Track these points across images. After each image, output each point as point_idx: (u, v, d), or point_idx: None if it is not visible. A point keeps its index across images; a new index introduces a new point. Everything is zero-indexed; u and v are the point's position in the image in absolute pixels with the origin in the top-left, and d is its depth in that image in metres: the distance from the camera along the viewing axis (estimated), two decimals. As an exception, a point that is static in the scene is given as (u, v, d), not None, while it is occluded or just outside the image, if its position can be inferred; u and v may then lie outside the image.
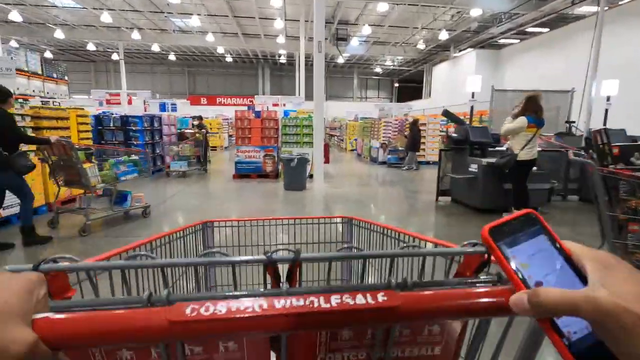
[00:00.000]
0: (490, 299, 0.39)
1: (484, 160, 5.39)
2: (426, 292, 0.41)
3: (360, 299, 0.38)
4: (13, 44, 21.44)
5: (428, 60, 25.20)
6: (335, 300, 0.38)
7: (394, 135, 11.72)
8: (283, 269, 0.56)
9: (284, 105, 13.63)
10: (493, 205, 5.33)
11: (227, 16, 18.27)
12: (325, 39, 22.01)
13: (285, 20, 18.61)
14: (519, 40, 19.43)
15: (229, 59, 27.61)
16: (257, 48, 23.84)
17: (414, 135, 10.54)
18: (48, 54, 24.33)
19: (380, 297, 0.39)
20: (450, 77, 21.93)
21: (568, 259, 0.36)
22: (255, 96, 13.04)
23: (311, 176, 7.95)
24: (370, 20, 18.64)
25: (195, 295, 0.46)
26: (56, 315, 0.34)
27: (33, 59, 16.95)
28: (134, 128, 8.52)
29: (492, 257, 0.39)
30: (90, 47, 22.96)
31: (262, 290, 0.52)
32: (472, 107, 7.83)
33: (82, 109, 6.51)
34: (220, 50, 24.60)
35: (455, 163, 6.23)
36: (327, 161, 8.29)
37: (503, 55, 19.06)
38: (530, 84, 16.32)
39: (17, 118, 5.17)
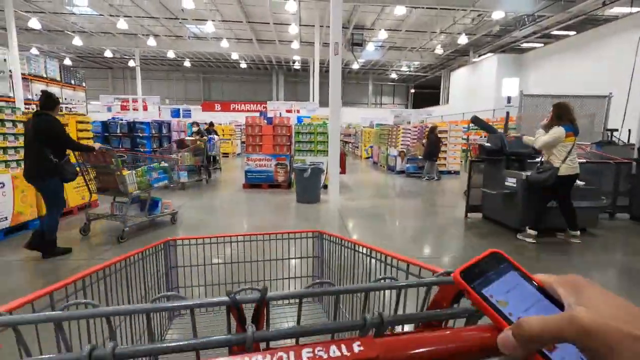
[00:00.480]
0: (478, 340, 0.37)
1: (524, 174, 4.69)
2: (406, 337, 0.38)
3: (334, 351, 0.35)
4: (34, 51, 21.76)
5: (446, 66, 24.43)
6: (307, 355, 0.35)
7: (412, 142, 11.03)
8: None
9: (298, 111, 13.13)
10: (538, 225, 4.61)
11: (241, 22, 18.01)
12: (341, 43, 21.47)
13: (300, 25, 18.23)
14: (542, 44, 18.53)
15: (243, 65, 27.44)
16: (272, 54, 23.54)
17: (431, 142, 9.84)
18: (67, 61, 24.59)
19: (357, 347, 0.36)
20: (470, 83, 21.10)
21: (542, 290, 0.36)
22: (268, 102, 12.56)
23: (325, 187, 7.37)
24: (386, 24, 18.07)
25: (145, 348, 0.40)
26: None
27: (52, 66, 16.96)
28: (141, 135, 8.11)
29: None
30: (108, 54, 23.08)
31: (225, 336, 0.43)
32: (507, 114, 7.11)
33: (83, 114, 6.09)
34: (235, 56, 24.41)
35: (489, 176, 5.54)
36: (343, 171, 7.69)
37: (526, 59, 18.17)
38: (557, 89, 15.42)
39: (9, 125, 4.76)
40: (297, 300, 0.61)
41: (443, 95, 24.84)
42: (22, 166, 3.95)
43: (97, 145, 4.31)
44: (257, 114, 10.43)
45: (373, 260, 1.31)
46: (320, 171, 6.80)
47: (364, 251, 1.35)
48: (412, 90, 31.10)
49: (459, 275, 0.38)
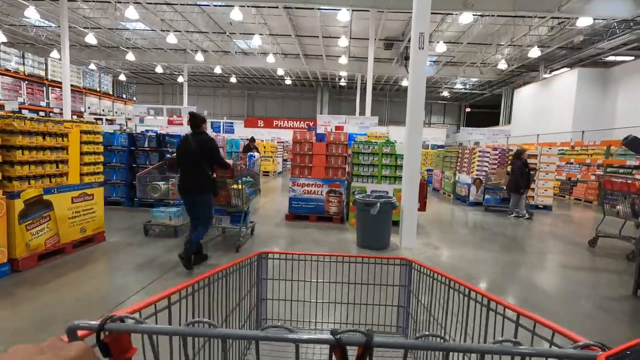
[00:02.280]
0: None
1: None
2: None
3: None
4: (92, 66, 22.24)
5: (508, 83, 21.86)
6: None
7: (492, 169, 8.87)
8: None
9: (347, 125, 11.42)
10: None
11: (289, 35, 16.97)
12: (396, 60, 19.61)
13: (351, 38, 16.83)
14: (633, 57, 15.63)
15: (288, 81, 26.57)
16: (318, 69, 22.37)
17: (519, 170, 7.64)
18: (122, 77, 25.05)
19: None
20: (538, 101, 18.40)
21: None
22: (318, 115, 11.00)
23: (394, 223, 5.47)
24: (446, 36, 16.14)
25: None
26: None
27: (106, 80, 16.68)
28: (170, 149, 6.74)
29: None
30: (158, 69, 23.11)
31: None
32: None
33: (93, 122, 4.73)
34: (280, 72, 23.54)
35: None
36: (422, 208, 5.75)
37: (613, 74, 15.31)
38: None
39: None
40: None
41: (504, 114, 22.15)
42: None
43: (230, 162, 4.59)
44: (305, 129, 8.84)
45: (472, 303, 1.14)
46: (393, 207, 4.94)
47: (462, 290, 1.18)
48: (468, 109, 28.50)
49: None
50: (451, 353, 0.52)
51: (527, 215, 7.63)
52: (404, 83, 23.78)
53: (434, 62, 20.24)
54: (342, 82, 26.42)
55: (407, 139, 5.05)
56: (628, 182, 4.86)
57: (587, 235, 6.35)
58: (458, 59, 19.33)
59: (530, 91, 19.39)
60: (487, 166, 8.91)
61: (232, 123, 17.77)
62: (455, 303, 1.27)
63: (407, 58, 17.44)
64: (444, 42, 15.88)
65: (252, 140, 10.30)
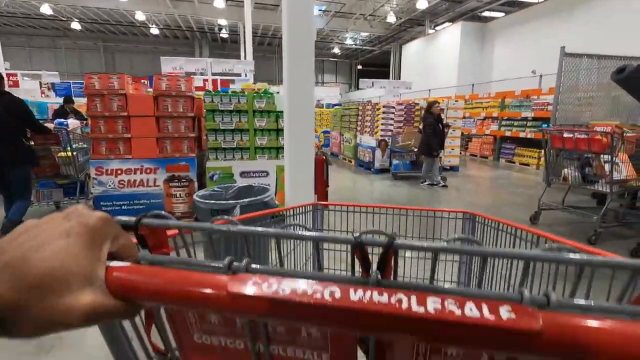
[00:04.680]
0: None
1: None
2: (600, 320, 0.24)
3: (471, 310, 0.26)
4: None
5: (396, 38, 21.08)
6: (433, 304, 0.26)
7: (398, 128, 7.22)
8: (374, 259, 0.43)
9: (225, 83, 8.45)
10: None
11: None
12: (277, 5, 16.40)
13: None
14: (503, 14, 15.90)
15: (154, 30, 21.11)
16: (190, 16, 17.89)
17: (431, 128, 6.10)
18: None
19: (505, 311, 0.25)
20: (425, 57, 17.96)
21: None
22: (162, 58, 7.65)
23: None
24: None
25: (273, 270, 0.40)
26: (120, 266, 0.32)
27: None
28: None
29: None
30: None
31: (348, 276, 0.41)
32: None
33: None
34: (141, 17, 18.26)
35: None
36: (322, 196, 3.53)
37: (490, 30, 15.35)
38: (530, 62, 12.85)
39: None
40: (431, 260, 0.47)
41: (394, 71, 21.57)
42: None
43: (51, 126, 4.13)
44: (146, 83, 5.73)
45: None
46: (267, 205, 2.57)
47: (528, 237, 1.07)
48: (359, 67, 27.40)
49: None
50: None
51: (441, 183, 6.23)
52: (294, 36, 21.09)
53: (322, 11, 17.93)
54: (224, 34, 22.26)
55: (289, 92, 2.65)
56: (588, 137, 3.45)
57: (517, 204, 5.22)
58: (348, 8, 17.38)
59: (416, 47, 18.85)
60: (392, 125, 7.23)
61: (68, 83, 12.72)
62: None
63: None
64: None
65: (68, 101, 6.58)
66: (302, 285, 0.30)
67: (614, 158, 3.28)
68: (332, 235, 0.48)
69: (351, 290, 0.29)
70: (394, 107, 7.25)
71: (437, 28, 18.08)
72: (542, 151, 8.54)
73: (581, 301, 0.33)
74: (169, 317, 0.45)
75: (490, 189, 6.62)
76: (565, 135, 3.70)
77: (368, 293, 0.28)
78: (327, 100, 16.40)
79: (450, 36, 15.91)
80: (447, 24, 17.45)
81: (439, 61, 16.66)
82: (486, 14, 16.53)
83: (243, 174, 3.80)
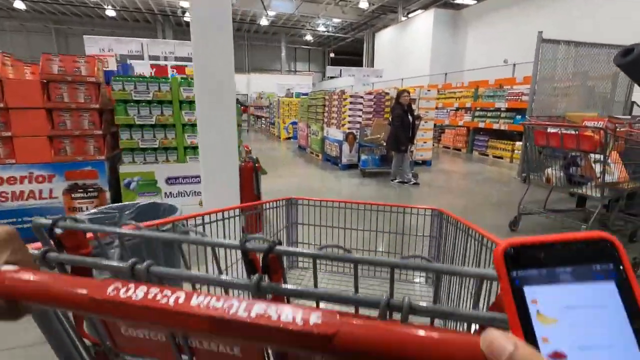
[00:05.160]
0: (464, 351, 0.25)
1: None
2: (378, 324, 0.28)
3: (287, 316, 0.29)
4: None
5: (369, 25, 20.37)
6: (257, 310, 0.29)
7: (367, 120, 6.60)
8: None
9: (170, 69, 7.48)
10: None
11: None
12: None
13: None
14: (475, 1, 15.51)
15: (110, 12, 19.36)
16: (147, -4, 16.40)
17: (399, 120, 5.51)
18: None
19: (315, 317, 0.29)
20: (398, 45, 17.40)
21: None
22: (85, 37, 6.48)
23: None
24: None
25: (171, 273, 0.43)
26: (6, 270, 0.34)
27: None
28: None
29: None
30: None
31: (226, 278, 0.44)
32: None
33: None
34: (92, -4, 16.58)
35: None
36: (255, 227, 2.84)
37: (463, 16, 14.94)
38: (503, 51, 12.52)
39: None
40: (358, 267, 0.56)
41: (367, 60, 20.92)
42: None
43: None
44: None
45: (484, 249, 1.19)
46: (180, 230, 1.87)
47: (476, 236, 1.19)
48: (332, 55, 26.51)
49: (502, 251, 0.23)
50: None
51: (412, 180, 5.70)
52: (264, 22, 19.93)
53: (293, -5, 16.94)
54: (187, 17, 20.75)
55: (198, 66, 1.92)
56: (576, 134, 2.94)
57: (494, 205, 4.75)
58: (319, -7, 16.49)
59: (389, 34, 18.25)
60: (361, 116, 6.61)
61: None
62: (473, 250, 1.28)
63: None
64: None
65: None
66: (160, 292, 0.31)
67: (605, 158, 2.80)
68: (224, 241, 0.53)
69: (194, 298, 0.31)
70: (362, 97, 6.62)
71: (410, 15, 17.52)
72: (516, 144, 8.27)
73: (443, 307, 0.37)
74: None
75: (465, 186, 6.15)
76: (550, 130, 3.18)
77: (208, 300, 0.30)
78: (297, 89, 15.58)
79: (422, 23, 15.40)
80: (419, 11, 16.91)
81: (411, 49, 16.15)
82: (459, 0, 16.10)
83: (170, 181, 3.06)
